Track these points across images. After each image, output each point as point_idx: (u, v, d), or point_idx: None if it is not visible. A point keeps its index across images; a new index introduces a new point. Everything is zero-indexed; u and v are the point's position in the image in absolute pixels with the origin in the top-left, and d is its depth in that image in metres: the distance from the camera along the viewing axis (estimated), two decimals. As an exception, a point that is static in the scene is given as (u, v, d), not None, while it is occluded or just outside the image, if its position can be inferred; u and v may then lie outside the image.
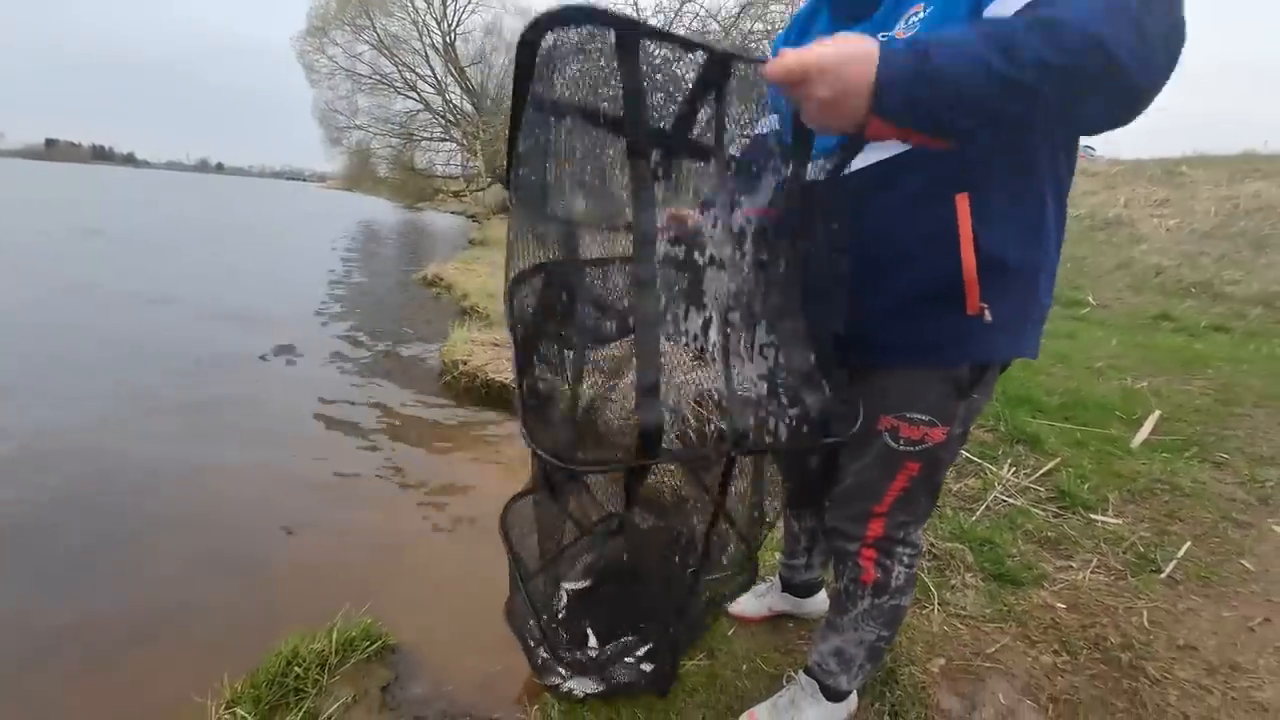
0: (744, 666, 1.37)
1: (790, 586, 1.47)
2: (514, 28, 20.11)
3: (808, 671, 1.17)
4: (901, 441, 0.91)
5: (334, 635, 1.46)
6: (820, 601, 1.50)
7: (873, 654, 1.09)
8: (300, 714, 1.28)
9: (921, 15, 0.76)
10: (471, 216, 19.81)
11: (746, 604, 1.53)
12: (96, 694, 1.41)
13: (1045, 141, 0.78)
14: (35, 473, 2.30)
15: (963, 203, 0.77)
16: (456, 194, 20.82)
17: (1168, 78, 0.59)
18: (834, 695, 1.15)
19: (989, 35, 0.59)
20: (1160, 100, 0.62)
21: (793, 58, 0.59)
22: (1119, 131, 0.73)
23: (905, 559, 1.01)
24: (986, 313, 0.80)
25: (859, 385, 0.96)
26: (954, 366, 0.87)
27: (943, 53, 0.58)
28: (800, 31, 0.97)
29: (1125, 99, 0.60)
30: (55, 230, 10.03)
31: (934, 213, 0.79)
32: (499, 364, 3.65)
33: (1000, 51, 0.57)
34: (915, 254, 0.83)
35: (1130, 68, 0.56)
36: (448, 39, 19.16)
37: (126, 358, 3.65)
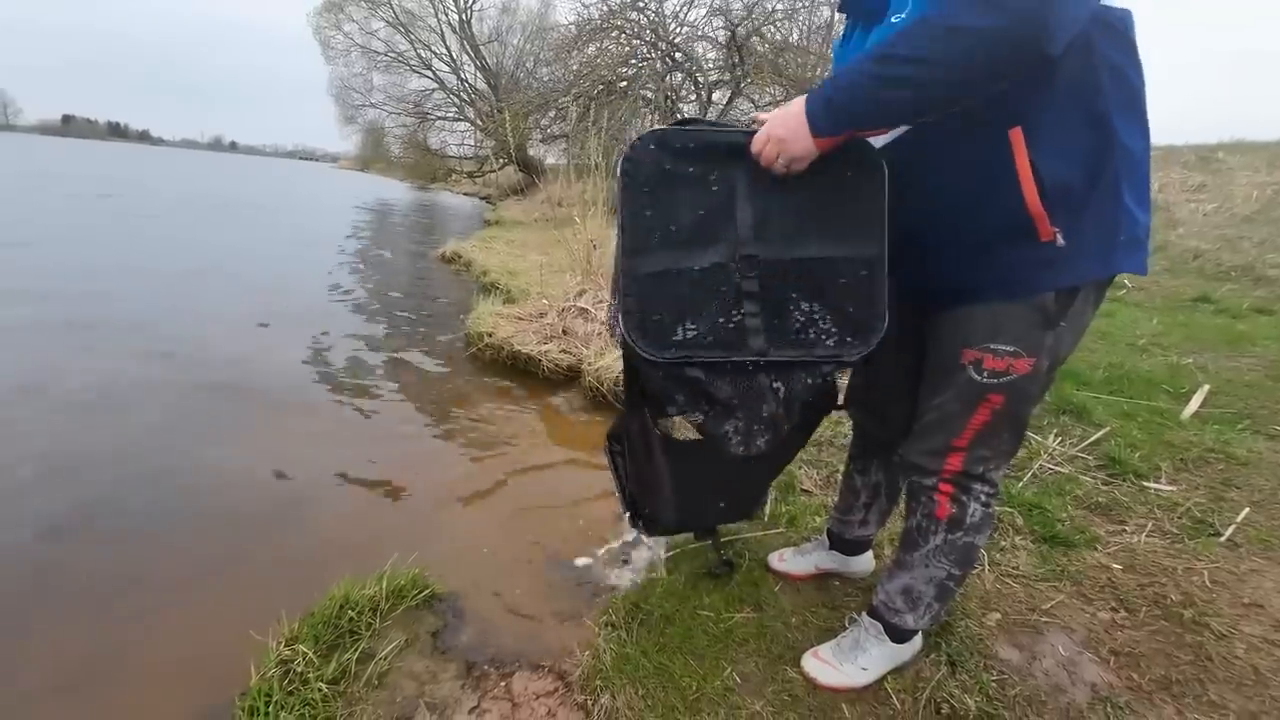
0: (793, 620, 1.37)
1: (839, 543, 1.46)
2: (530, 6, 19.86)
3: (871, 612, 1.17)
4: (985, 374, 0.90)
5: (384, 582, 1.48)
6: (867, 561, 1.49)
7: (942, 593, 1.07)
8: (357, 653, 1.31)
9: (902, 16, 0.84)
10: (485, 198, 19.73)
11: (792, 562, 1.52)
12: (160, 632, 1.46)
13: (1090, 65, 0.78)
14: (91, 425, 2.36)
15: (1016, 136, 0.79)
16: (470, 175, 20.72)
17: (1044, 13, 0.67)
18: (899, 635, 1.14)
19: (870, 53, 0.77)
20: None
21: (759, 135, 0.87)
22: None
23: (983, 496, 0.99)
24: (1059, 237, 0.81)
25: (942, 323, 0.95)
26: (1037, 295, 0.86)
27: (838, 79, 0.80)
28: (844, 41, 1.05)
29: (1004, 49, 0.69)
30: (173, 201, 10.92)
31: (990, 153, 0.81)
32: (524, 336, 3.66)
33: (874, 61, 0.76)
34: (981, 196, 0.84)
35: (988, 26, 0.68)
36: (463, 16, 18.94)
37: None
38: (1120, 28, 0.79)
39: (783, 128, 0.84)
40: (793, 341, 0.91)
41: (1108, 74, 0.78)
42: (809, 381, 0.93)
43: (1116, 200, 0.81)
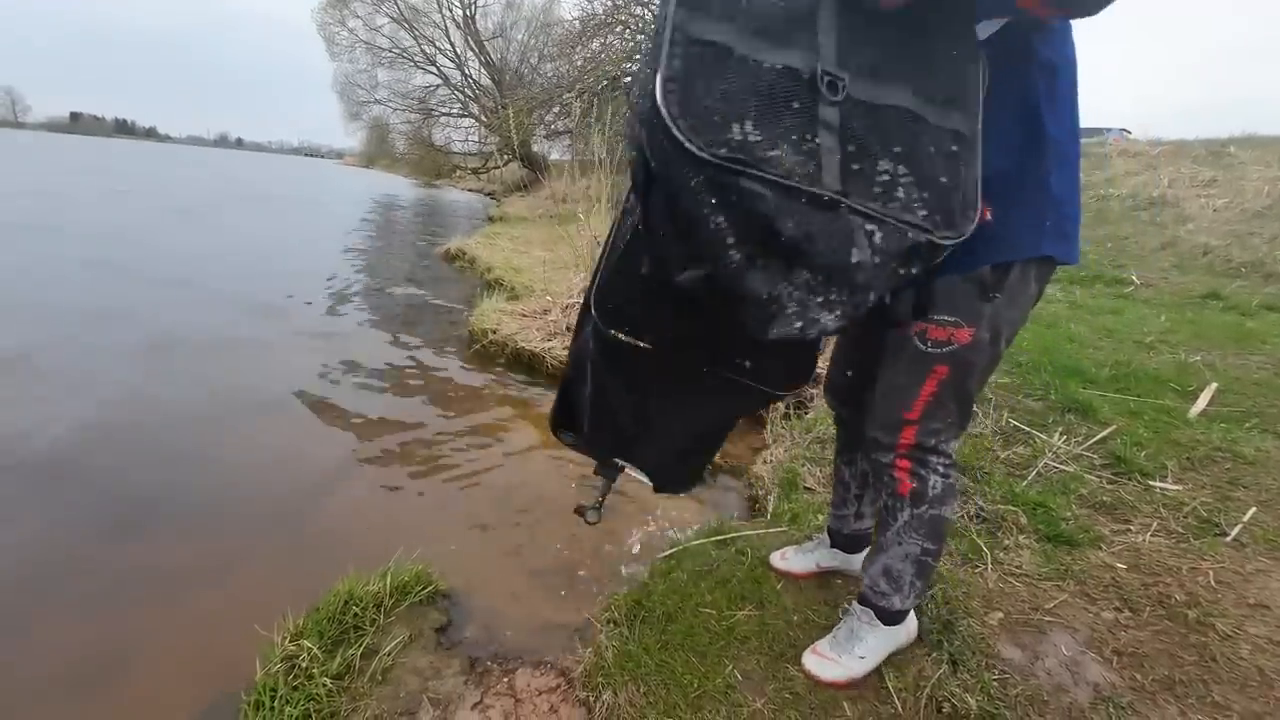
0: (794, 618, 1.37)
1: (839, 539, 1.46)
2: (534, 2, 19.80)
3: (861, 600, 1.19)
4: (929, 343, 0.96)
5: (388, 578, 1.49)
6: (869, 558, 1.49)
7: (920, 569, 1.10)
8: (360, 649, 1.32)
9: None
10: (489, 194, 19.75)
11: (793, 560, 1.52)
12: (167, 627, 1.48)
13: (1027, 63, 0.85)
14: (104, 420, 2.39)
15: None
16: (474, 171, 20.74)
17: None
18: (890, 618, 1.16)
19: None
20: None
21: None
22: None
23: (940, 468, 1.04)
24: (988, 214, 0.86)
25: (896, 303, 1.02)
26: (975, 269, 0.92)
27: None
28: None
29: None
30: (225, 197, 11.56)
31: None
32: (527, 333, 3.67)
33: None
34: None
35: None
36: (468, 12, 18.92)
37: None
38: (1056, 27, 0.86)
39: None
40: (877, 197, 0.67)
41: (1042, 73, 0.86)
42: (910, 240, 0.68)
43: (1044, 189, 0.88)
